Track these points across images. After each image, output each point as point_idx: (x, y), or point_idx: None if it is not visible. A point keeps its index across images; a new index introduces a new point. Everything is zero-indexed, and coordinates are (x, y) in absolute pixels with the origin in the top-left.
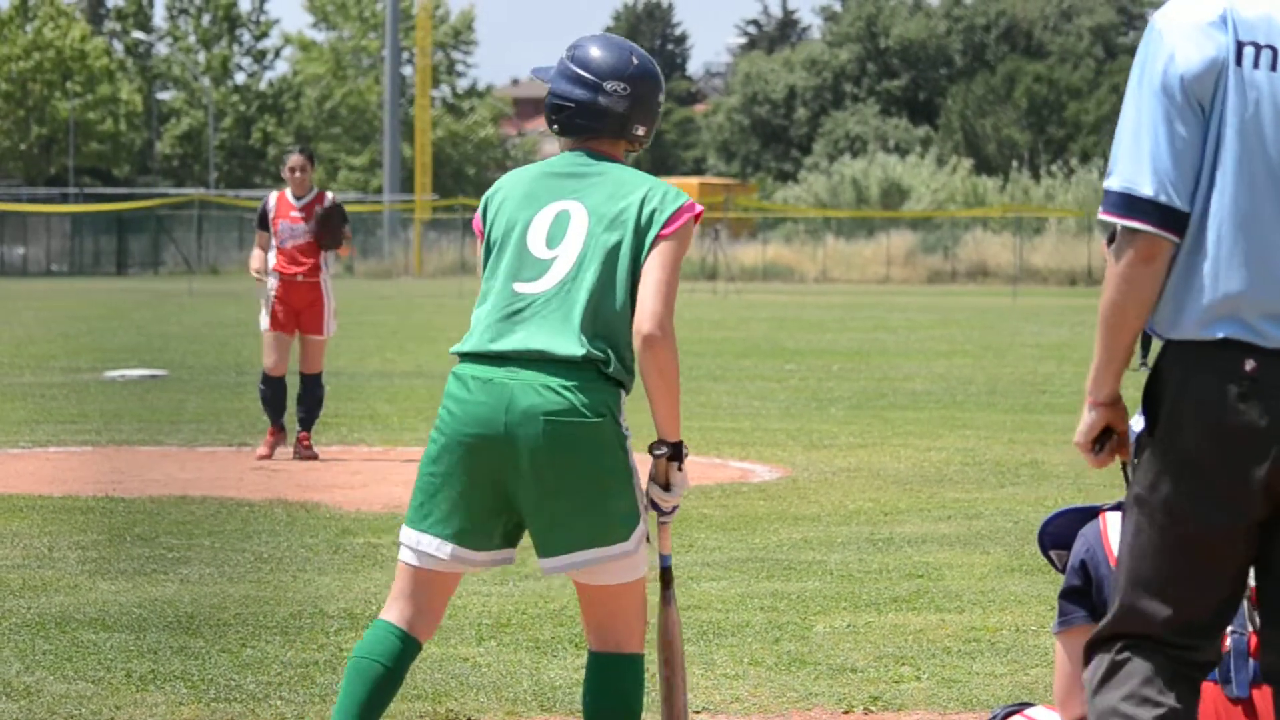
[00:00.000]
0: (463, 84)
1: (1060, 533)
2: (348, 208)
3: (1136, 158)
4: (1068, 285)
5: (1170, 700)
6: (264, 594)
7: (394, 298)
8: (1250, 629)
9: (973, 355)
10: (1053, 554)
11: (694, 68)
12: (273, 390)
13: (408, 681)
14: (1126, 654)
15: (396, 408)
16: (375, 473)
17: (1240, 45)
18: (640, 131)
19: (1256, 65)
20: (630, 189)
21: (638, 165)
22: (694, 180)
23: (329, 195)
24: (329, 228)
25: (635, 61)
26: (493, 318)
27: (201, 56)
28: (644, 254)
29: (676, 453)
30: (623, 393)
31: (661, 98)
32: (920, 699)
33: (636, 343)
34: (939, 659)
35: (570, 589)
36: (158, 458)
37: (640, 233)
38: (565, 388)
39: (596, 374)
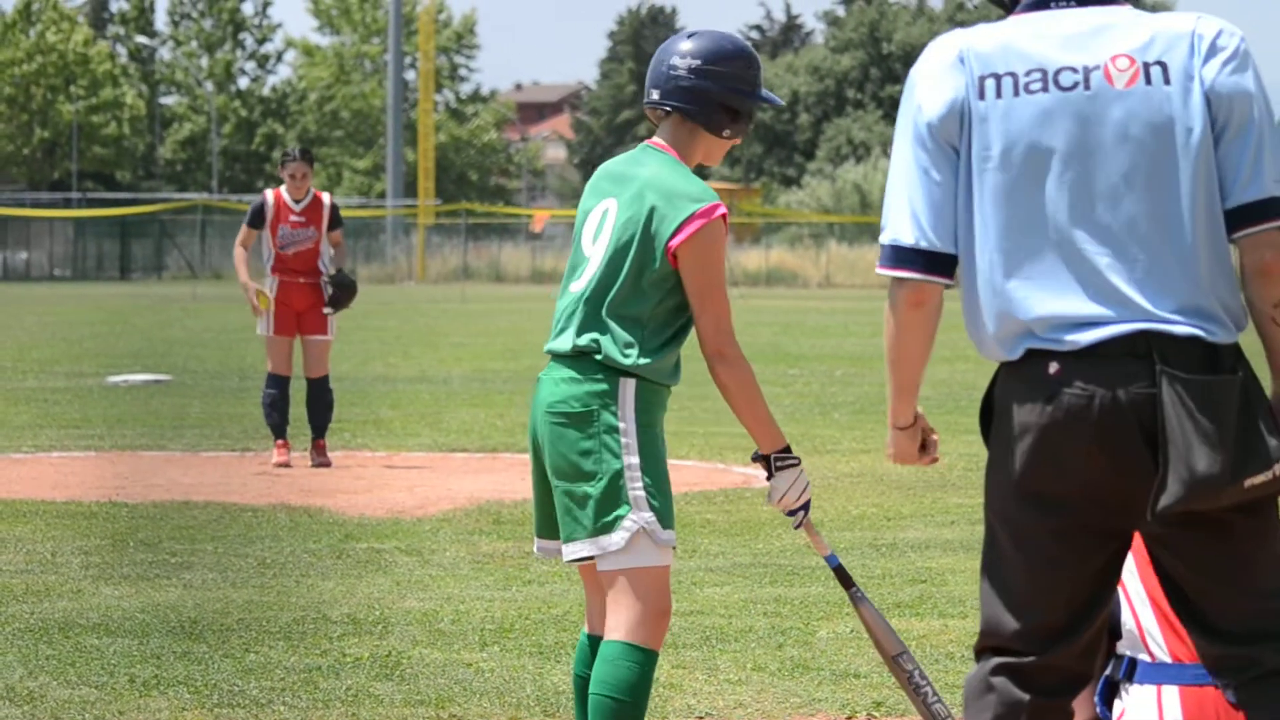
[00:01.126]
0: (466, 89)
1: None
2: (351, 213)
3: (899, 209)
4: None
5: None
6: (267, 599)
7: (397, 302)
8: None
9: (975, 360)
10: None
11: None
12: (280, 391)
13: (410, 686)
14: (998, 677)
15: (400, 413)
16: (378, 478)
17: (981, 80)
18: (669, 105)
19: (999, 95)
20: (652, 189)
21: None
22: None
23: (326, 196)
24: (341, 301)
25: (679, 45)
26: (556, 317)
27: (204, 61)
28: (654, 259)
29: (765, 462)
30: (629, 381)
31: (706, 84)
32: None
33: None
34: (942, 664)
35: (572, 595)
36: (161, 463)
37: (648, 238)
38: (564, 380)
39: (593, 364)
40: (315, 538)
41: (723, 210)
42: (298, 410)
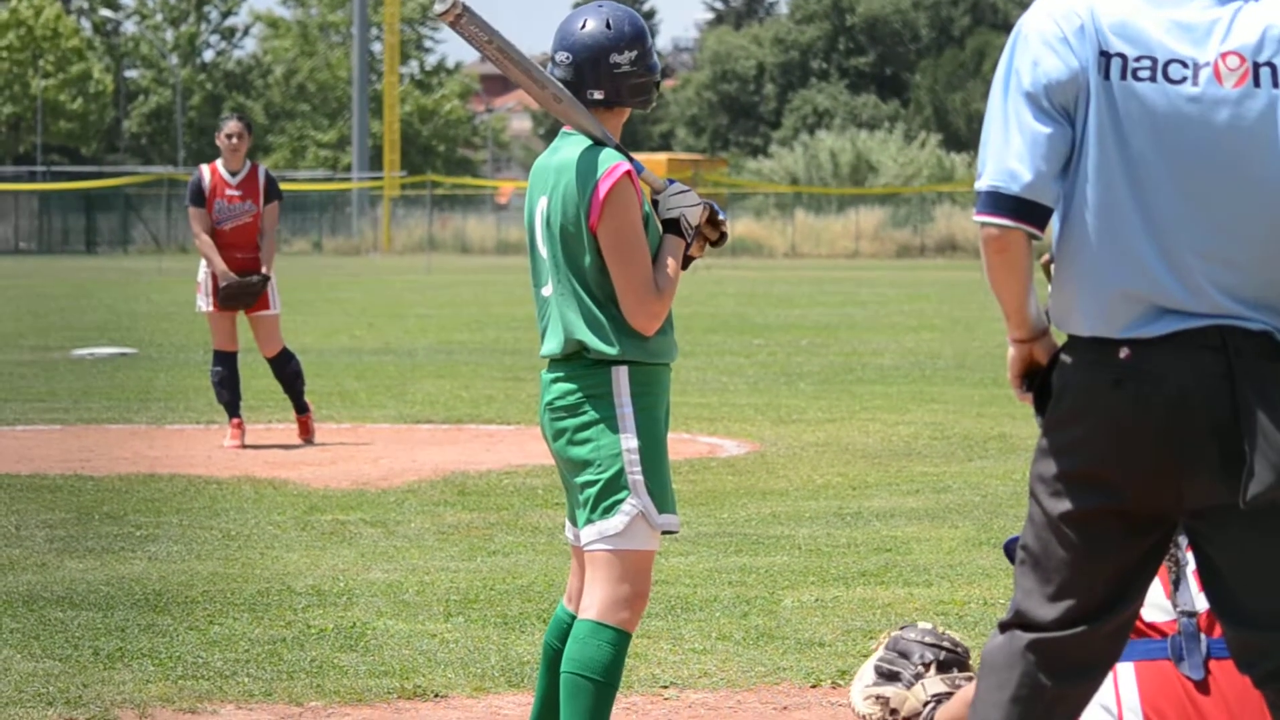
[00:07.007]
0: (431, 60)
1: None
2: (317, 186)
3: (1000, 157)
4: (1035, 258)
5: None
6: (231, 571)
7: (362, 274)
8: (1200, 610)
9: (941, 329)
10: None
11: (662, 43)
12: (228, 369)
13: (374, 657)
14: (1026, 655)
15: (365, 385)
16: (343, 450)
17: (1099, 55)
18: (598, 96)
19: (1106, 76)
20: (566, 177)
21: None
22: (662, 156)
23: (262, 169)
24: (240, 298)
25: (581, 26)
26: (538, 321)
27: (169, 34)
28: (593, 245)
29: (674, 228)
30: (621, 368)
31: (618, 58)
32: None
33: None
34: None
35: (537, 565)
36: (126, 436)
37: (578, 228)
38: (559, 378)
39: (584, 360)
40: (280, 510)
41: (625, 169)
42: (260, 383)
